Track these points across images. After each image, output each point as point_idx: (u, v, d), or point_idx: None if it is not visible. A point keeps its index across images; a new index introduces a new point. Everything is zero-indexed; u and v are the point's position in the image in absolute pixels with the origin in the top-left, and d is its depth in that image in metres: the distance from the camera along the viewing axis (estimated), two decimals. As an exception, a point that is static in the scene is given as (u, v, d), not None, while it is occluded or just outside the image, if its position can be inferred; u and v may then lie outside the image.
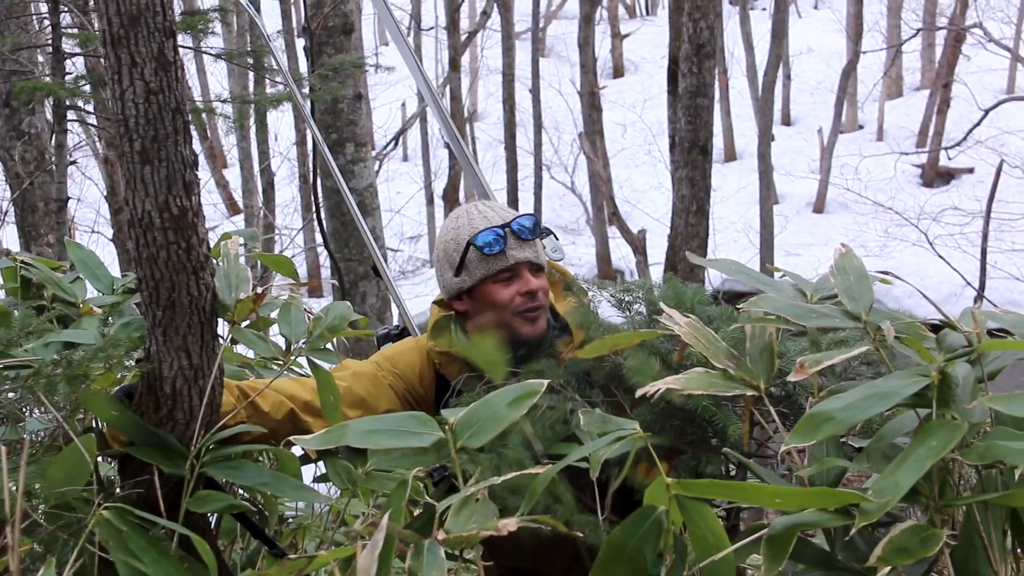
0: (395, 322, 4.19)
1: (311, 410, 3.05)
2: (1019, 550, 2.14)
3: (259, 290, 2.77)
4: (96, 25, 8.76)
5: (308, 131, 8.74)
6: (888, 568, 1.92)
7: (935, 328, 2.36)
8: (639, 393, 2.31)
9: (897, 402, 2.05)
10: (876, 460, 2.18)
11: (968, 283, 16.78)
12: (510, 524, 1.90)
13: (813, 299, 2.51)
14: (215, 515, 3.13)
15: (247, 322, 3.22)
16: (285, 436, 3.06)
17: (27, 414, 3.00)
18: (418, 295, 23.11)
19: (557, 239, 4.16)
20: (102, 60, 2.46)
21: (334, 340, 3.31)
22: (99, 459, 2.77)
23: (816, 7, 40.16)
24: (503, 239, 3.24)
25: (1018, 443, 1.97)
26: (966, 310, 2.32)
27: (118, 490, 2.73)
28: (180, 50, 2.50)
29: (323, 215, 9.17)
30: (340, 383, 3.12)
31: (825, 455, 2.27)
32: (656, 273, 15.59)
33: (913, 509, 2.21)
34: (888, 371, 2.25)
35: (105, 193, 14.55)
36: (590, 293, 3.24)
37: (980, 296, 15.94)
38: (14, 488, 2.30)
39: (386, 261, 9.79)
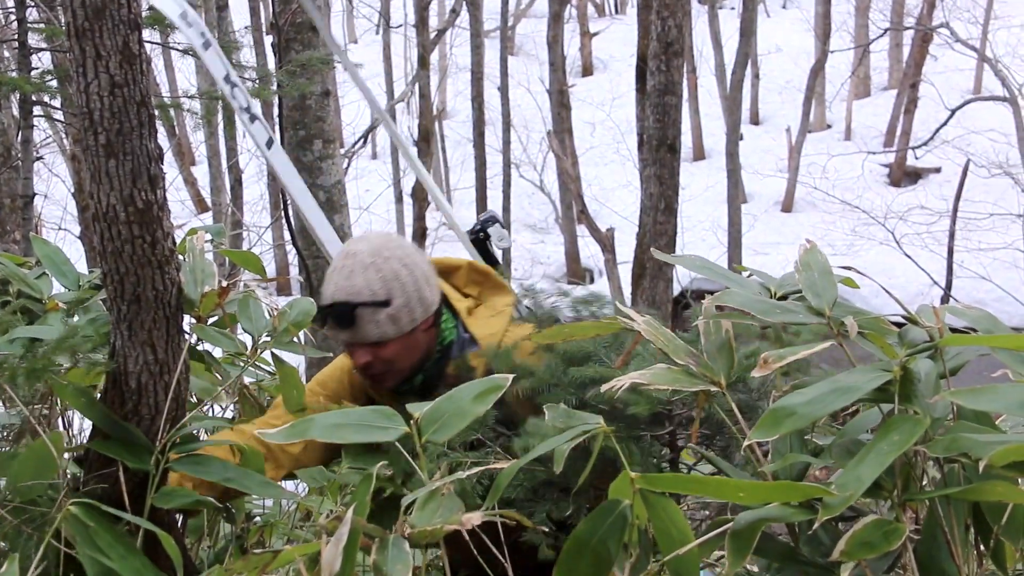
0: None
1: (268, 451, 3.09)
2: (981, 544, 2.16)
3: (224, 284, 2.77)
4: (61, 20, 8.73)
5: (276, 125, 8.71)
6: (852, 563, 1.93)
7: (900, 326, 2.38)
8: (604, 388, 2.32)
9: (859, 396, 2.06)
10: (839, 456, 2.19)
11: (935, 282, 16.91)
12: (474, 518, 1.91)
13: (777, 295, 2.52)
14: (181, 513, 3.12)
15: (213, 319, 3.21)
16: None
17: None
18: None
19: (503, 226, 4.18)
20: (68, 54, 2.45)
21: (300, 335, 3.29)
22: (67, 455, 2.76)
23: (784, 6, 40.27)
24: (322, 320, 3.18)
25: (981, 436, 1.98)
26: (926, 306, 2.34)
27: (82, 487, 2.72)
28: (147, 45, 2.49)
29: (291, 213, 9.15)
30: (276, 422, 3.05)
31: (788, 450, 2.28)
32: (625, 272, 15.59)
33: (876, 504, 2.22)
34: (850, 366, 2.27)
35: (72, 190, 14.50)
36: (546, 297, 3.28)
37: (947, 295, 16.06)
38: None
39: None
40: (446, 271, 3.50)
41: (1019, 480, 2.00)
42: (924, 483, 2.17)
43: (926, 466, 2.17)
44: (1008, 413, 1.99)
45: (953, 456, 2.00)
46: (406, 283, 3.12)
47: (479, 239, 4.20)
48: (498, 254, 4.43)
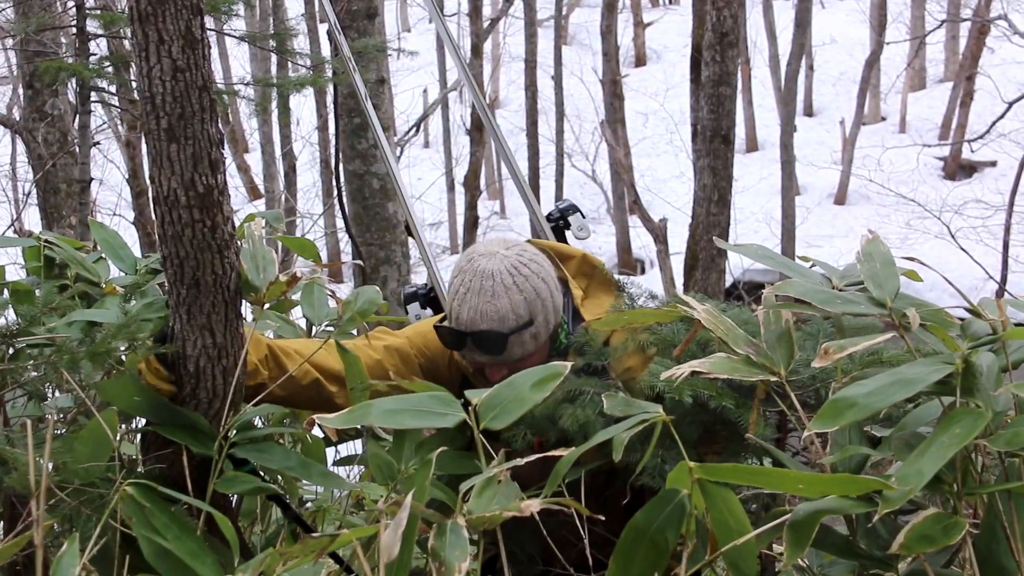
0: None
1: (338, 380, 3.05)
2: (1041, 540, 2.13)
3: (293, 272, 2.78)
4: (120, 6, 8.79)
5: (331, 113, 8.72)
6: (910, 556, 1.92)
7: (960, 320, 2.35)
8: (664, 376, 2.31)
9: (921, 389, 2.04)
10: (899, 448, 2.18)
11: (990, 276, 16.72)
12: (533, 505, 1.90)
13: (838, 285, 2.50)
14: (236, 496, 3.13)
15: (268, 304, 3.23)
16: (307, 402, 3.08)
17: (49, 392, 3.01)
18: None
19: (584, 216, 4.13)
20: (128, 39, 2.46)
21: (362, 324, 3.29)
22: (121, 437, 2.78)
23: (840, -3, 40.03)
24: (460, 344, 3.12)
25: (1045, 431, 1.96)
26: (988, 299, 2.31)
27: (140, 468, 2.74)
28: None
29: (344, 200, 9.18)
30: (372, 354, 3.14)
31: (848, 442, 2.26)
32: (677, 263, 15.54)
33: (935, 497, 2.21)
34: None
35: (127, 176, 14.61)
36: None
37: (1002, 289, 15.88)
38: (40, 462, 2.31)
39: (407, 245, 9.80)
40: (560, 256, 3.47)
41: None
42: (984, 477, 2.15)
43: (987, 460, 2.15)
44: (1074, 406, 1.96)
45: (1015, 451, 1.98)
46: (545, 299, 3.10)
47: (558, 228, 4.16)
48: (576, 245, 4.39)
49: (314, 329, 3.29)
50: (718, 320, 2.39)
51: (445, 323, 3.15)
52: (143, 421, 2.85)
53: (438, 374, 3.30)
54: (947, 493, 2.07)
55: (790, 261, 2.59)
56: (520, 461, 2.08)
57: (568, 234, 4.10)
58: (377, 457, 2.62)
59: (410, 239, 4.43)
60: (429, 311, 3.96)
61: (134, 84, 8.98)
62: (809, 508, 1.99)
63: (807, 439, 2.14)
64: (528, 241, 3.45)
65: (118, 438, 2.65)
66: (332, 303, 3.23)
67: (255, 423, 3.00)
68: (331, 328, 3.12)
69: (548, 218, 4.19)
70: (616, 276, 3.50)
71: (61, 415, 2.98)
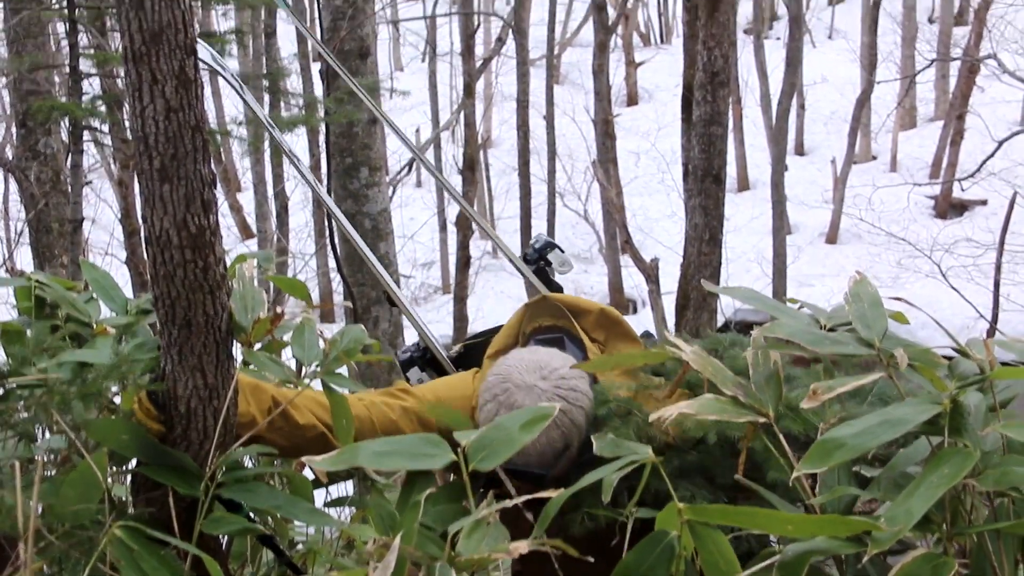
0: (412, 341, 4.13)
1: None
2: (1031, 579, 2.14)
3: (277, 310, 2.78)
4: (113, 45, 8.83)
5: (323, 152, 8.76)
6: (900, 596, 1.92)
7: (948, 359, 2.37)
8: (653, 417, 2.32)
9: (909, 429, 2.06)
10: (888, 488, 2.19)
11: (981, 315, 16.77)
12: (521, 547, 1.91)
13: (827, 326, 2.52)
14: (226, 538, 3.13)
15: (259, 344, 3.23)
16: (312, 453, 3.07)
17: (40, 433, 3.01)
18: (429, 322, 23.01)
19: (563, 251, 4.11)
20: (122, 78, 2.49)
21: (348, 364, 3.29)
22: (110, 479, 2.78)
23: (831, 37, 40.18)
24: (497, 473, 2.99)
25: (1033, 469, 1.98)
26: (976, 338, 2.33)
27: (130, 509, 2.74)
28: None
29: (336, 240, 9.18)
30: (389, 414, 3.13)
31: (837, 483, 2.27)
32: (668, 302, 15.57)
33: (924, 537, 2.21)
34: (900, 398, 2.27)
35: (119, 215, 14.62)
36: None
37: (993, 328, 15.92)
38: (30, 504, 2.31)
39: (399, 285, 9.80)
40: (577, 312, 3.42)
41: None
42: (974, 517, 2.16)
43: (976, 500, 2.16)
44: (1061, 446, 1.98)
45: (1003, 490, 1.99)
46: (581, 425, 2.98)
47: (540, 268, 4.13)
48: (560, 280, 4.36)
49: (303, 369, 3.29)
50: (706, 361, 2.41)
51: None
52: (135, 462, 2.85)
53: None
54: (936, 533, 2.08)
55: (778, 303, 2.61)
56: (509, 503, 2.08)
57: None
58: (380, 507, 2.63)
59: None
60: (427, 374, 3.95)
61: (127, 123, 9.02)
62: (799, 549, 2.00)
63: (795, 480, 2.15)
64: (544, 297, 3.45)
65: (109, 480, 2.65)
66: (322, 343, 3.23)
67: (245, 463, 3.00)
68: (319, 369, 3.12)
69: (526, 260, 4.17)
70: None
71: (52, 456, 2.98)
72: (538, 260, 4.13)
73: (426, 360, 3.89)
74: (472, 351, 3.87)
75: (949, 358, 2.37)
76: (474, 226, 18.53)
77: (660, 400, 2.87)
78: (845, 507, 2.23)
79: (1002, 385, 2.27)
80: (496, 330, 3.62)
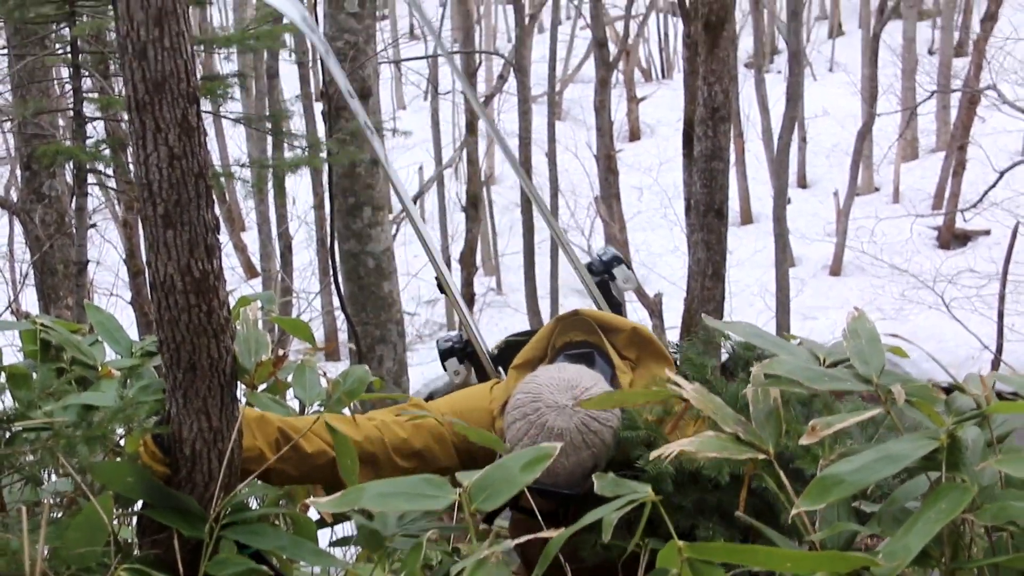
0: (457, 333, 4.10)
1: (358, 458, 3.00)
2: (1031, 614, 2.15)
3: (279, 353, 2.81)
4: (116, 89, 8.88)
5: (326, 192, 8.80)
6: (900, 632, 1.93)
7: (950, 391, 2.39)
8: (652, 456, 2.34)
9: (906, 464, 2.07)
10: (887, 524, 2.20)
11: (985, 346, 16.77)
12: (525, 586, 1.93)
13: (826, 362, 2.54)
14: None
15: (264, 386, 3.25)
16: (323, 481, 3.06)
17: (46, 476, 3.03)
18: (434, 359, 23.03)
19: (629, 268, 4.08)
20: (126, 125, 2.52)
21: (351, 404, 3.31)
22: (116, 521, 2.80)
23: (831, 70, 40.26)
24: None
25: (1030, 504, 1.99)
26: (973, 373, 2.35)
27: (136, 552, 2.76)
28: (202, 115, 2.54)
29: (340, 279, 9.22)
30: (399, 432, 3.12)
31: (836, 519, 2.29)
32: (672, 337, 15.58)
33: (925, 572, 2.23)
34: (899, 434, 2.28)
35: (123, 256, 14.67)
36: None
37: (997, 359, 15.91)
38: (37, 547, 2.33)
39: (402, 323, 9.82)
40: (609, 329, 3.39)
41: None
42: (973, 551, 2.17)
43: (975, 534, 2.17)
44: (1055, 481, 1.99)
45: (1001, 524, 2.01)
46: (610, 444, 2.97)
47: (603, 281, 4.10)
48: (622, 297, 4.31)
49: (307, 409, 3.31)
50: (706, 398, 2.42)
51: None
52: (140, 504, 2.87)
53: (475, 453, 3.23)
54: (935, 568, 2.09)
55: (778, 339, 2.63)
56: (511, 543, 2.10)
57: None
58: (364, 527, 2.64)
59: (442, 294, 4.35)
60: (464, 366, 3.95)
61: (130, 166, 9.06)
62: (798, 585, 2.01)
63: (794, 515, 2.17)
64: (576, 312, 3.43)
65: (115, 522, 2.67)
66: (324, 383, 3.25)
67: (250, 504, 3.02)
68: (321, 408, 3.14)
69: (591, 271, 4.13)
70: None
71: (58, 499, 3.00)
72: (603, 272, 4.09)
73: (466, 353, 3.88)
74: (512, 349, 3.81)
75: (951, 390, 2.39)
76: (478, 262, 18.57)
77: (674, 429, 2.87)
78: (845, 543, 2.24)
79: (1000, 419, 2.28)
80: (535, 333, 3.59)
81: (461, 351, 3.87)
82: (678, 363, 3.39)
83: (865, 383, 2.35)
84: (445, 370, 3.96)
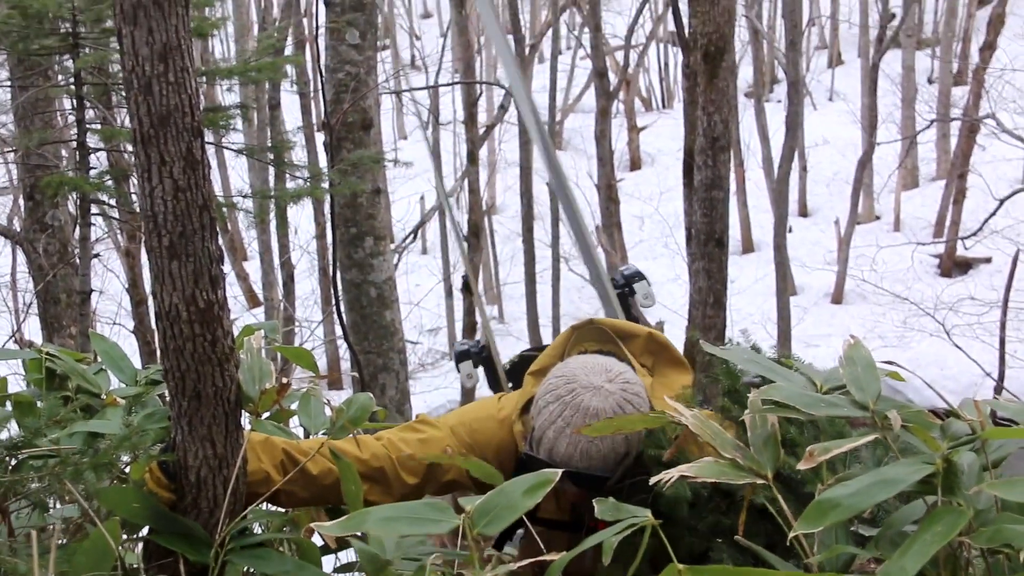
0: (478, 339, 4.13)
1: (363, 477, 3.02)
2: (1027, 635, 2.17)
3: (283, 381, 2.84)
4: (119, 121, 8.94)
5: (328, 222, 8.84)
6: (898, 653, 1.96)
7: (950, 415, 2.42)
8: (652, 480, 2.36)
9: (902, 488, 2.10)
10: (885, 547, 2.23)
11: (987, 373, 16.75)
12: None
13: (822, 389, 2.57)
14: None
15: (267, 414, 3.28)
16: (332, 501, 3.08)
17: (53, 503, 3.05)
18: (437, 387, 23.10)
19: (649, 284, 4.09)
20: (132, 157, 2.56)
21: (354, 432, 3.33)
22: (122, 546, 2.83)
23: (831, 99, 40.37)
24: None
25: (1024, 527, 2.02)
26: (968, 399, 2.38)
27: (142, 576, 2.79)
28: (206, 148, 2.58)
29: (342, 308, 9.25)
30: (405, 448, 3.12)
31: (834, 542, 2.31)
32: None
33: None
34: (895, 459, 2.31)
35: (126, 285, 14.71)
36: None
37: (1000, 386, 15.90)
38: (46, 573, 2.36)
39: (404, 352, 9.85)
40: (624, 336, 3.38)
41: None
42: (970, 573, 2.20)
43: (971, 558, 2.20)
44: (1047, 504, 2.02)
45: (996, 547, 2.03)
46: (642, 432, 2.98)
47: (623, 295, 4.09)
48: (643, 313, 4.31)
49: (311, 437, 3.34)
50: (705, 425, 2.45)
51: (532, 452, 3.01)
52: (147, 530, 2.89)
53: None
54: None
55: (775, 365, 2.66)
56: (514, 565, 2.13)
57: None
58: (364, 552, 2.66)
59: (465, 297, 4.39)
60: (481, 372, 3.97)
61: (134, 197, 9.11)
62: (797, 607, 2.04)
63: (795, 539, 2.20)
64: (591, 320, 3.42)
65: (121, 548, 2.70)
66: (328, 412, 3.28)
67: (254, 530, 3.04)
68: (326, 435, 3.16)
69: (613, 283, 4.15)
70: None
71: (64, 525, 3.02)
72: (624, 286, 4.10)
73: (481, 358, 3.89)
74: (525, 364, 3.79)
75: (947, 415, 2.42)
76: (481, 290, 18.61)
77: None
78: (843, 565, 2.27)
79: (996, 445, 2.31)
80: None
81: (477, 355, 3.88)
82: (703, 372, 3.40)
83: (861, 409, 2.38)
84: (459, 372, 3.98)
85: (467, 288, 4.43)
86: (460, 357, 3.95)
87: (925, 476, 2.12)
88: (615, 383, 2.99)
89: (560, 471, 2.41)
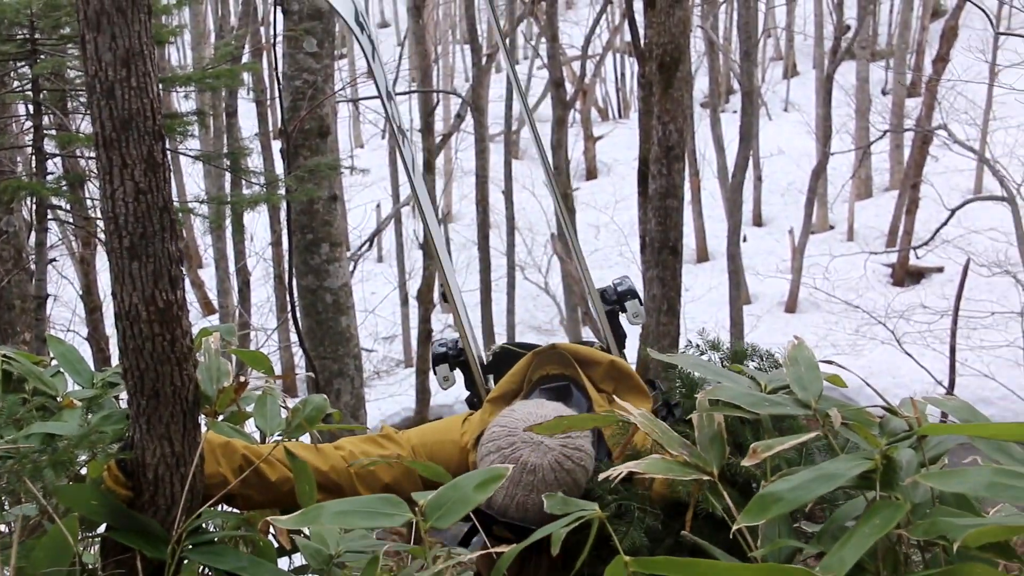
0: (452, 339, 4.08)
1: (322, 488, 3.06)
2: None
3: (241, 379, 2.88)
4: (74, 126, 8.93)
5: (284, 229, 8.85)
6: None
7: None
8: (601, 477, 2.42)
9: (842, 483, 2.16)
10: (826, 541, 2.29)
11: (937, 381, 16.93)
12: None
13: (767, 389, 2.64)
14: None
15: (222, 416, 3.32)
16: (288, 507, 3.11)
17: (5, 503, 3.07)
18: (391, 395, 23.09)
19: (641, 303, 4.07)
20: (89, 163, 2.60)
21: (313, 434, 3.36)
22: (81, 545, 2.86)
23: (786, 110, 40.63)
24: (487, 524, 2.87)
25: (960, 520, 2.08)
26: (906, 398, 2.45)
27: (100, 574, 2.82)
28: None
29: (298, 314, 9.27)
30: (366, 461, 3.13)
31: (777, 536, 2.38)
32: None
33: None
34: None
35: (80, 292, 14.65)
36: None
37: (950, 393, 16.05)
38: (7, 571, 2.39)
39: (359, 359, 9.88)
40: (586, 363, 3.38)
41: (998, 561, 2.09)
42: (909, 566, 2.26)
43: (910, 551, 2.26)
44: (976, 494, 2.08)
45: (933, 539, 2.09)
46: (582, 484, 2.95)
47: (613, 312, 4.06)
48: (628, 330, 4.26)
49: (267, 439, 3.37)
50: (653, 424, 2.51)
51: None
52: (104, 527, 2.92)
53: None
54: (871, 581, 2.18)
55: (720, 368, 2.73)
56: (466, 556, 2.18)
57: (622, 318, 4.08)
58: (308, 547, 2.70)
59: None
60: (454, 374, 3.96)
61: (89, 202, 9.11)
62: (740, 598, 2.10)
63: (738, 533, 2.25)
64: (554, 346, 3.42)
65: (79, 545, 2.73)
66: (284, 414, 3.31)
67: (210, 528, 3.07)
68: (281, 437, 3.19)
69: (604, 299, 4.13)
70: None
71: (24, 524, 3.05)
72: (615, 303, 4.09)
73: (458, 360, 3.88)
74: (505, 357, 3.85)
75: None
76: (435, 299, 18.63)
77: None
78: (785, 559, 2.32)
79: (934, 441, 2.38)
80: (531, 346, 3.61)
81: (454, 358, 3.85)
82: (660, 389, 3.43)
83: (804, 408, 2.45)
84: (435, 375, 3.97)
85: (444, 297, 4.40)
86: (437, 360, 3.93)
87: (864, 471, 2.18)
88: (556, 438, 2.95)
89: (510, 467, 2.47)
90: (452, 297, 4.10)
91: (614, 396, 3.31)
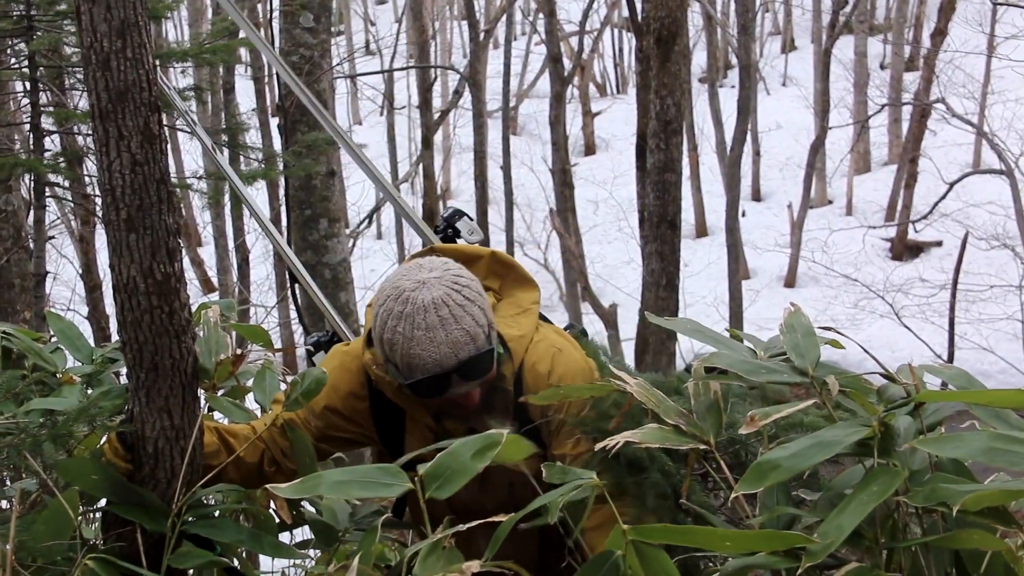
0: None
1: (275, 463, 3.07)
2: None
3: (239, 352, 2.88)
4: (72, 103, 8.92)
5: (283, 205, 8.84)
6: (835, 608, 2.03)
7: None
8: (598, 446, 2.42)
9: (839, 450, 2.16)
10: (824, 508, 2.29)
11: (936, 355, 16.96)
12: (473, 566, 2.00)
13: (764, 356, 2.64)
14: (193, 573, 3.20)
15: (222, 391, 3.32)
16: (255, 486, 3.12)
17: (7, 478, 3.08)
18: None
19: (471, 219, 4.04)
20: (83, 135, 2.60)
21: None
22: (81, 519, 2.86)
23: (784, 84, 40.51)
24: (444, 386, 2.88)
25: (958, 486, 2.08)
26: (903, 365, 2.45)
27: (100, 547, 2.82)
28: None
29: (297, 291, 9.26)
30: (262, 431, 3.11)
31: (775, 504, 2.38)
32: (628, 348, 15.67)
33: (863, 554, 2.31)
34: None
35: (80, 271, 14.63)
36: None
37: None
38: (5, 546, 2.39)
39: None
40: (467, 259, 3.21)
41: (996, 527, 2.09)
42: (908, 533, 2.26)
43: (908, 517, 2.26)
44: (973, 459, 2.07)
45: (932, 506, 2.09)
46: (485, 297, 2.94)
47: (448, 237, 3.94)
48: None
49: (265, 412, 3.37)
50: (649, 393, 2.51)
51: (399, 378, 2.92)
52: (104, 501, 2.93)
53: (338, 424, 3.18)
54: (869, 548, 2.19)
55: (718, 334, 2.72)
56: (463, 527, 2.17)
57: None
58: (317, 523, 2.70)
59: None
60: None
61: (87, 179, 9.09)
62: (738, 564, 2.11)
63: (735, 500, 2.26)
64: (432, 248, 3.33)
65: (79, 518, 2.74)
66: (283, 387, 3.31)
67: (210, 501, 3.08)
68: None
69: (435, 231, 4.11)
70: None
71: (26, 496, 3.05)
72: (446, 229, 4.05)
73: (332, 343, 3.82)
74: None
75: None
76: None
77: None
78: (784, 526, 2.33)
79: (932, 409, 2.38)
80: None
81: (328, 343, 3.81)
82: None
83: (801, 375, 2.45)
84: (314, 366, 3.92)
85: (292, 279, 4.36)
86: (313, 351, 3.88)
87: (862, 439, 2.18)
88: (433, 272, 2.88)
89: (504, 432, 2.36)
90: (303, 283, 4.11)
91: (500, 294, 3.26)
